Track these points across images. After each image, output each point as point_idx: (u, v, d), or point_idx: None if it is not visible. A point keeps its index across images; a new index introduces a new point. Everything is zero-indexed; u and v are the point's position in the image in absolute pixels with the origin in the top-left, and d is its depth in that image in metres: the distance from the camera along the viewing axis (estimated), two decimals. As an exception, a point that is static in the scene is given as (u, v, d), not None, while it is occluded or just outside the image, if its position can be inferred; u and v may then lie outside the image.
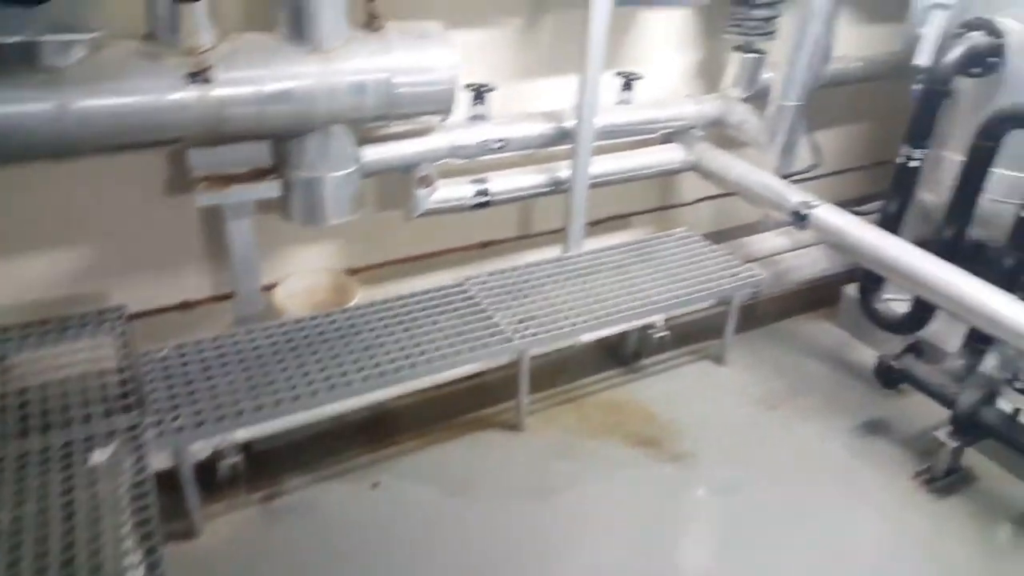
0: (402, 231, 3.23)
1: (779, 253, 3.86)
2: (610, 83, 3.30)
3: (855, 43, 3.99)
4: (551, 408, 3.14)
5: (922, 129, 2.85)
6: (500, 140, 3.05)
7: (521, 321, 2.76)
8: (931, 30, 3.16)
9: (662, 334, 3.28)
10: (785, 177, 3.52)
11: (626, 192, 3.71)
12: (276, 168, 2.60)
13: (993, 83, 2.85)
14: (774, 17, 3.32)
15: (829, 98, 4.02)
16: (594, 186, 3.31)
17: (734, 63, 3.49)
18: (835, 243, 3.05)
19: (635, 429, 3.07)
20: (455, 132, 2.96)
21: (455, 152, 2.98)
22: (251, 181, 2.56)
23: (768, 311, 3.92)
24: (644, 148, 3.55)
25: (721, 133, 3.67)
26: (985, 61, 2.79)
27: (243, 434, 2.52)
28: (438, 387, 2.89)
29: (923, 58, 3.20)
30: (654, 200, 3.99)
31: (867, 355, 3.57)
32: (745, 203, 3.59)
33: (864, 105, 4.42)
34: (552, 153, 3.26)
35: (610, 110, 3.30)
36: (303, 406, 2.34)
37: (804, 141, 3.55)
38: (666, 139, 3.63)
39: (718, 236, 4.07)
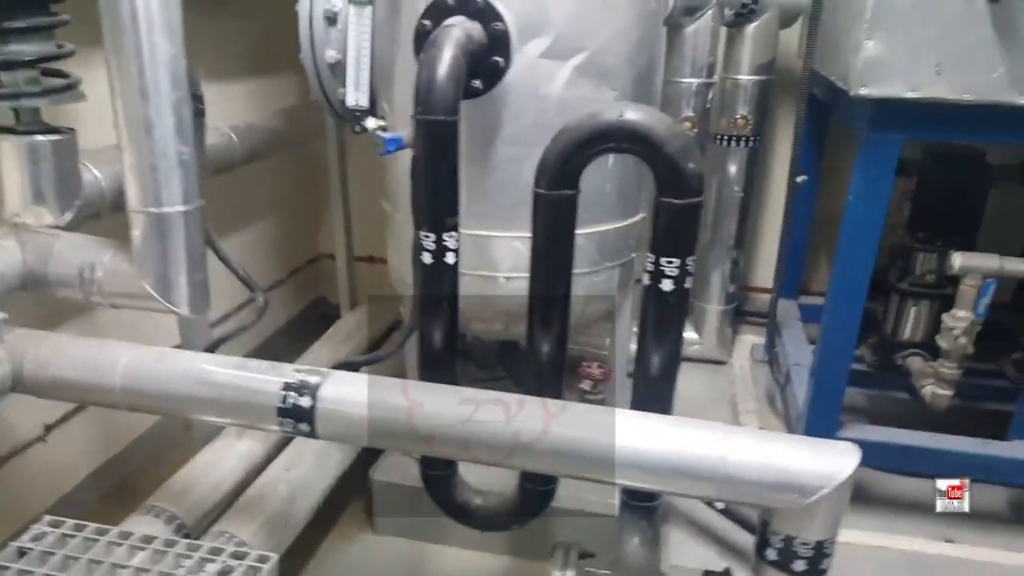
0: None
1: (255, 473, 2.10)
2: None
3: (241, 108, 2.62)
4: None
5: (443, 202, 1.48)
6: None
7: None
8: (352, 45, 1.89)
9: None
10: (213, 347, 1.84)
11: None
12: None
13: (493, 102, 1.69)
14: (54, 56, 1.58)
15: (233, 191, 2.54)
16: None
17: (12, 162, 1.61)
18: (373, 433, 1.41)
19: None
20: None
21: None
22: None
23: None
24: None
25: (57, 299, 1.74)
26: (490, 65, 1.61)
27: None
28: None
29: (353, 94, 1.93)
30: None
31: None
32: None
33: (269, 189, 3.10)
34: None
35: None
36: None
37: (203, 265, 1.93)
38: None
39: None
